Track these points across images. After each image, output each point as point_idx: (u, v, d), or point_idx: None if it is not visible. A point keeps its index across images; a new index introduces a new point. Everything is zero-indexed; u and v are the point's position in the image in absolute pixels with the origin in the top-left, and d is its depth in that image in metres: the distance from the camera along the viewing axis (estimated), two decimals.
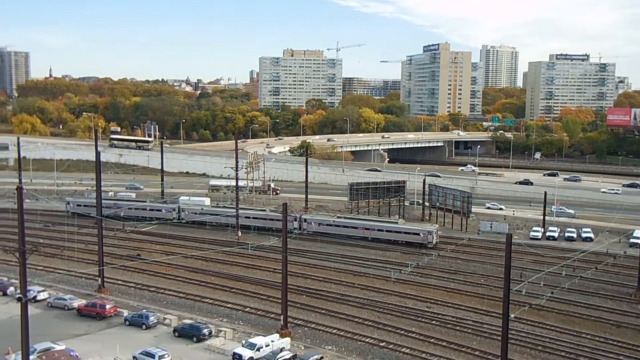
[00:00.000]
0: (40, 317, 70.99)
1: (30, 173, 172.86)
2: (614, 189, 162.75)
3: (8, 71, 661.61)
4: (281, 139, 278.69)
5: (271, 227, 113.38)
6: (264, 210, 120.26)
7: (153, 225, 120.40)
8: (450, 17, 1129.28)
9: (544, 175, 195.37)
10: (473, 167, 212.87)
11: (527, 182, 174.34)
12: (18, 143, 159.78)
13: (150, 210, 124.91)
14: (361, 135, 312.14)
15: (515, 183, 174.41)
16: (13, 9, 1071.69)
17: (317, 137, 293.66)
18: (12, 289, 78.37)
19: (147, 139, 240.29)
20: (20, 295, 50.54)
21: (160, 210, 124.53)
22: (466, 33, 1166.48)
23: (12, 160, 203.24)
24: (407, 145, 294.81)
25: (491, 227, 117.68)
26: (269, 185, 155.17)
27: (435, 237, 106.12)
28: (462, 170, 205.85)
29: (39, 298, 76.14)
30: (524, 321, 71.38)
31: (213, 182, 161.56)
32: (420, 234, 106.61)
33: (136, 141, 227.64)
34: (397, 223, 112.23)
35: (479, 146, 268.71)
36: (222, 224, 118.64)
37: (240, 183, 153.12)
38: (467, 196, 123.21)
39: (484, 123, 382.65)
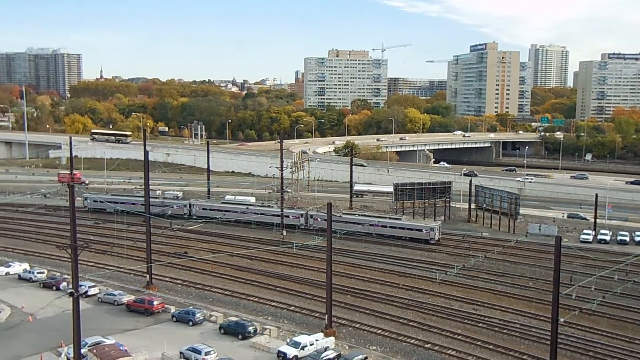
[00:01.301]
0: (91, 311, 72.66)
1: (82, 172, 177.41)
2: (528, 178, 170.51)
3: (61, 73, 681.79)
4: (279, 142, 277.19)
5: (276, 223, 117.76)
6: (265, 206, 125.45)
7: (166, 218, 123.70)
8: (498, 16, 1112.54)
9: (502, 170, 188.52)
10: (445, 164, 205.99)
11: (471, 174, 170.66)
12: (70, 142, 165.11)
13: (163, 206, 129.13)
14: (442, 134, 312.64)
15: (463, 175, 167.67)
16: (67, 11, 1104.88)
17: (388, 136, 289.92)
18: (64, 284, 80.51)
19: (125, 133, 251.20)
20: (72, 290, 51.83)
21: (172, 207, 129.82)
22: (515, 32, 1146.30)
23: (65, 159, 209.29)
24: (455, 146, 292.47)
25: (540, 229, 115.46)
26: None
27: (437, 234, 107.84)
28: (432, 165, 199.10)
29: (90, 293, 77.96)
30: (574, 326, 69.75)
31: (357, 187, 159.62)
32: (423, 230, 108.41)
33: (115, 135, 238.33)
34: (400, 219, 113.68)
35: (527, 147, 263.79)
36: (266, 223, 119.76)
37: (382, 188, 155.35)
38: (515, 197, 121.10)
39: (532, 124, 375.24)
